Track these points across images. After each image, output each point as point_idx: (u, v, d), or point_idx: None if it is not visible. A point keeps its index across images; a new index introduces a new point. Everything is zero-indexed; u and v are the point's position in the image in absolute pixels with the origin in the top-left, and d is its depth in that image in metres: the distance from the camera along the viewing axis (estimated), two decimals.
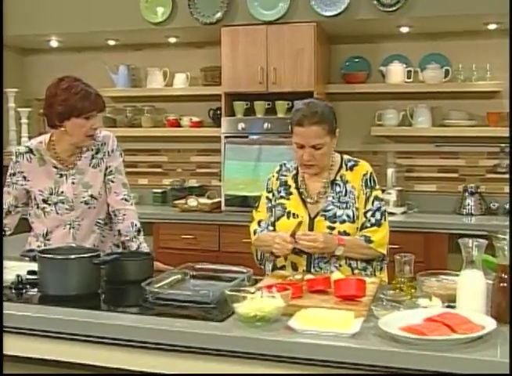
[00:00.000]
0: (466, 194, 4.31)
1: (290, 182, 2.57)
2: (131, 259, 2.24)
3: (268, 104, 4.35)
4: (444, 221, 4.06)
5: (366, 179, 2.48)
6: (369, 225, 2.43)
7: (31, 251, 2.21)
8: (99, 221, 2.68)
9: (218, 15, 4.20)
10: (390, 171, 4.41)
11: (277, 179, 2.61)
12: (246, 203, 4.25)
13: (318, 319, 1.71)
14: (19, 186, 2.66)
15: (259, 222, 2.61)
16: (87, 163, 2.66)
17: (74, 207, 2.61)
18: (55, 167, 2.64)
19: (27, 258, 2.24)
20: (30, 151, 2.66)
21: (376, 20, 4.08)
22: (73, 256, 2.03)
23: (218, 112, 4.68)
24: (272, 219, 2.55)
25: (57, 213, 2.62)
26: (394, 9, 3.94)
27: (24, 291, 2.13)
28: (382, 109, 4.47)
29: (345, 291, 1.88)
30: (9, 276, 2.27)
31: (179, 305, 1.93)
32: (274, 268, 2.51)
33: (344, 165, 2.51)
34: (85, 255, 2.04)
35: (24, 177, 2.65)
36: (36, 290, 2.11)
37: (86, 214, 2.63)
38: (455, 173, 4.49)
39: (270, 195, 2.61)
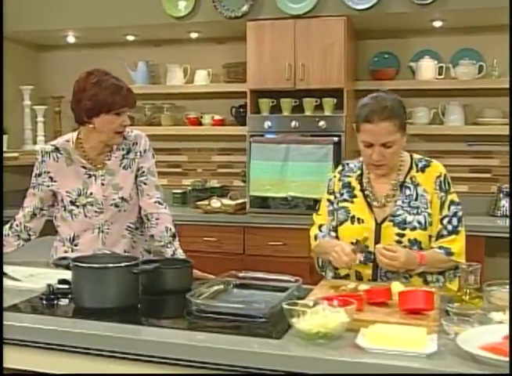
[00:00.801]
0: (501, 195, 4.13)
1: (354, 183, 2.37)
2: (171, 268, 2.07)
3: (295, 102, 4.19)
4: (479, 223, 3.88)
5: (440, 182, 2.27)
6: (445, 233, 2.23)
7: (64, 258, 2.04)
8: (130, 225, 2.52)
9: (244, 8, 4.03)
10: None
11: (339, 180, 2.42)
12: (273, 204, 4.11)
13: (387, 337, 1.55)
14: (46, 188, 2.51)
15: (320, 227, 2.44)
16: (117, 163, 2.50)
17: (104, 210, 2.46)
18: (84, 167, 2.48)
19: (59, 267, 2.07)
20: (57, 150, 2.51)
21: (408, 14, 3.91)
22: (111, 265, 1.86)
23: (241, 110, 4.53)
24: (334, 224, 2.38)
25: (85, 216, 2.46)
26: (428, 1, 3.77)
27: (56, 302, 1.96)
28: (412, 106, 4.30)
29: (413, 305, 1.72)
30: (37, 286, 2.12)
31: (227, 318, 1.77)
32: (336, 277, 2.32)
33: (414, 166, 2.32)
34: (124, 264, 1.87)
35: (51, 177, 2.50)
36: (68, 301, 1.96)
37: (116, 217, 2.47)
38: (488, 173, 4.32)
39: (332, 197, 2.42)
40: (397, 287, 1.92)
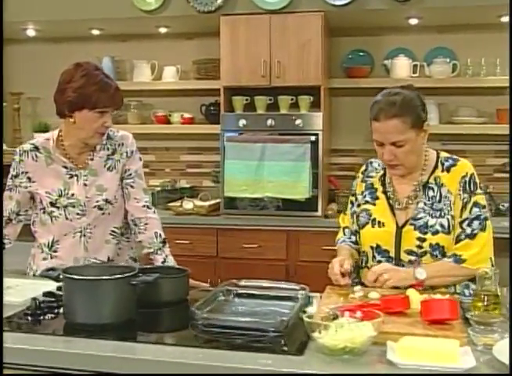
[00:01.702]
0: None
1: (377, 184, 2.25)
2: (169, 278, 1.91)
3: (270, 99, 4.06)
4: None
5: (465, 182, 2.11)
6: (463, 237, 2.09)
7: (53, 269, 1.86)
8: (115, 230, 2.35)
9: (218, 2, 3.88)
10: None
11: (362, 181, 2.31)
12: (248, 205, 3.97)
13: (420, 351, 1.44)
14: (23, 189, 2.32)
15: (344, 230, 2.35)
16: (101, 164, 2.33)
17: (86, 213, 2.29)
18: (65, 166, 2.31)
19: (47, 279, 1.88)
20: (36, 149, 2.33)
21: (385, 11, 3.85)
22: (107, 276, 1.69)
23: (212, 108, 4.38)
24: (355, 227, 2.28)
25: (66, 218, 2.28)
26: None
27: (42, 317, 1.78)
28: None
29: (438, 315, 1.62)
30: (17, 299, 1.93)
31: (236, 332, 1.62)
32: (357, 283, 2.18)
33: (439, 165, 2.16)
34: (121, 275, 1.71)
35: (29, 178, 2.31)
36: (55, 317, 1.78)
37: (99, 220, 2.30)
38: None
39: (353, 199, 2.33)
40: (413, 294, 1.81)
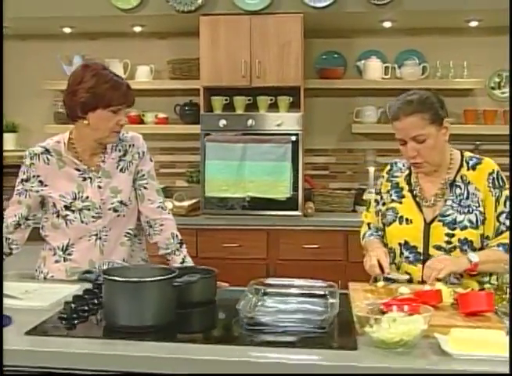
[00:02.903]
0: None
1: (403, 183, 2.31)
2: (206, 277, 1.91)
3: (249, 100, 4.09)
4: None
5: (493, 178, 2.19)
6: (504, 228, 2.17)
7: (89, 272, 1.83)
8: (129, 232, 2.32)
9: (199, 2, 3.87)
10: (371, 169, 4.29)
11: (387, 181, 2.36)
12: (230, 205, 3.99)
13: (472, 342, 1.51)
14: (35, 193, 2.27)
15: (368, 225, 2.43)
16: (114, 165, 2.30)
17: (102, 215, 2.25)
18: (77, 169, 2.27)
19: (85, 282, 1.85)
20: (47, 152, 2.27)
21: (361, 14, 3.94)
22: (150, 278, 1.68)
23: (186, 108, 4.37)
24: (381, 225, 2.35)
25: (82, 221, 2.24)
26: (384, 2, 3.82)
27: (76, 322, 1.75)
28: (360, 105, 4.35)
29: (476, 307, 1.69)
30: (42, 303, 1.89)
31: (283, 331, 1.65)
32: (385, 278, 2.19)
33: (465, 164, 2.23)
34: (164, 277, 1.70)
35: (41, 181, 2.26)
36: (85, 320, 1.76)
37: (115, 223, 2.27)
38: None
39: (378, 198, 2.39)
40: (440, 287, 1.89)
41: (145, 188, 2.34)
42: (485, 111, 4.27)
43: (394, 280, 2.13)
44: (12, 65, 4.54)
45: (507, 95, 4.35)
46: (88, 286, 1.96)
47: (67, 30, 4.35)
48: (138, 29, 4.30)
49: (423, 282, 2.07)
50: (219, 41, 3.94)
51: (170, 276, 1.70)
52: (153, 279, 1.69)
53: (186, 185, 4.52)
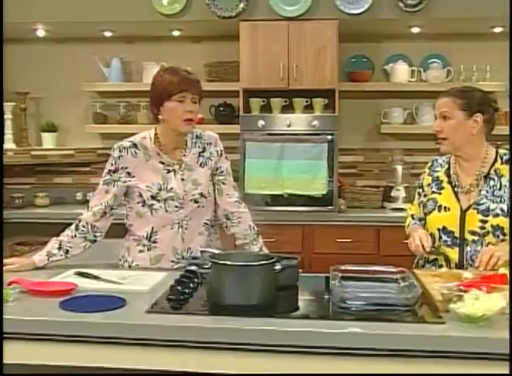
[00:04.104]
0: None
1: (443, 177, 2.59)
2: (292, 265, 2.12)
3: (285, 101, 4.30)
4: None
5: None
6: None
7: (196, 258, 2.03)
8: (207, 222, 2.52)
9: (240, 8, 4.08)
10: (399, 168, 4.50)
11: (429, 175, 2.65)
12: (269, 201, 4.19)
13: None
14: (122, 183, 2.46)
15: (412, 216, 2.70)
16: (194, 160, 2.50)
17: (184, 205, 2.45)
18: (162, 162, 2.47)
19: (194, 266, 2.05)
20: (135, 146, 2.47)
21: (394, 20, 4.16)
22: (256, 263, 1.90)
23: (221, 109, 4.58)
24: (423, 215, 2.61)
25: (166, 211, 2.44)
26: (416, 9, 4.04)
27: (183, 302, 1.95)
28: (387, 107, 4.57)
29: None
30: (142, 287, 2.09)
31: (370, 309, 1.86)
32: (425, 262, 2.51)
33: (499, 158, 2.50)
34: (267, 262, 1.91)
35: (128, 173, 2.45)
36: (191, 300, 1.96)
37: (195, 213, 2.47)
38: None
39: (420, 190, 2.67)
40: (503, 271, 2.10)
41: (223, 183, 2.55)
42: (506, 113, 4.50)
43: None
44: (51, 67, 4.74)
45: None
46: (179, 273, 2.17)
47: (108, 33, 4.53)
48: (176, 33, 4.50)
49: (460, 263, 2.40)
50: (258, 45, 4.15)
51: (272, 260, 1.91)
52: (258, 263, 1.89)
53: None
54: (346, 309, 1.87)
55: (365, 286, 2.07)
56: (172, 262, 2.47)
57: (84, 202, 4.70)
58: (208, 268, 1.90)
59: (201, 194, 2.47)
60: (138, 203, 2.46)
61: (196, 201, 2.46)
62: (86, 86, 4.65)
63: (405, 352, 1.67)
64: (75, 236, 2.44)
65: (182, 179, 2.46)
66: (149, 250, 2.47)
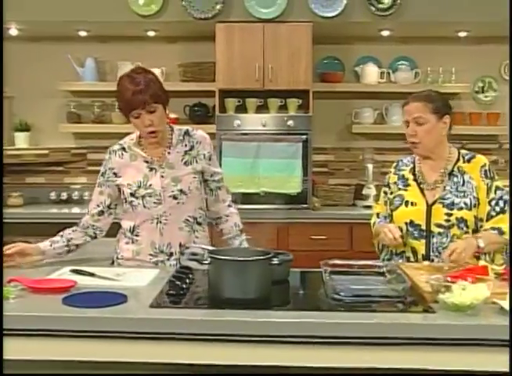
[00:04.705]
0: None
1: (408, 175, 2.72)
2: (286, 260, 2.21)
3: (260, 101, 4.39)
4: None
5: (485, 170, 2.61)
6: (494, 213, 2.56)
7: (194, 254, 2.10)
8: (188, 219, 2.57)
9: (216, 10, 4.14)
10: (370, 166, 4.64)
11: (394, 174, 2.78)
12: (245, 200, 4.26)
13: None
14: (112, 183, 2.57)
15: (378, 214, 2.81)
16: (178, 158, 2.55)
17: (162, 201, 2.52)
18: (146, 161, 2.54)
19: (193, 262, 2.12)
20: (123, 149, 2.58)
21: (365, 23, 4.28)
22: (252, 258, 1.97)
23: (196, 108, 4.64)
24: (389, 212, 2.73)
25: (144, 207, 2.52)
26: (387, 13, 4.18)
27: (183, 297, 2.02)
28: (358, 107, 4.71)
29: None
30: (140, 283, 2.15)
31: (364, 300, 1.96)
32: (392, 255, 2.64)
33: (461, 158, 2.65)
34: (264, 257, 1.99)
35: (115, 173, 2.56)
36: (190, 295, 2.03)
37: (174, 209, 2.53)
38: None
39: (387, 189, 2.79)
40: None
41: (219, 189, 2.66)
42: (471, 113, 4.70)
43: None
44: (25, 66, 4.71)
45: (490, 98, 4.80)
46: (171, 269, 2.24)
47: (83, 33, 4.54)
48: (151, 33, 4.53)
49: (427, 255, 2.55)
50: (234, 46, 4.22)
51: (269, 256, 1.99)
52: (256, 258, 1.97)
53: None
54: (339, 301, 1.97)
55: (356, 279, 2.17)
56: (150, 255, 2.55)
57: (58, 202, 4.71)
58: (208, 263, 1.97)
59: (181, 191, 2.53)
60: (123, 199, 2.57)
61: (175, 197, 2.52)
62: (60, 85, 4.64)
63: (400, 341, 1.78)
64: (76, 230, 2.58)
65: (162, 176, 2.52)
66: (132, 243, 2.57)
